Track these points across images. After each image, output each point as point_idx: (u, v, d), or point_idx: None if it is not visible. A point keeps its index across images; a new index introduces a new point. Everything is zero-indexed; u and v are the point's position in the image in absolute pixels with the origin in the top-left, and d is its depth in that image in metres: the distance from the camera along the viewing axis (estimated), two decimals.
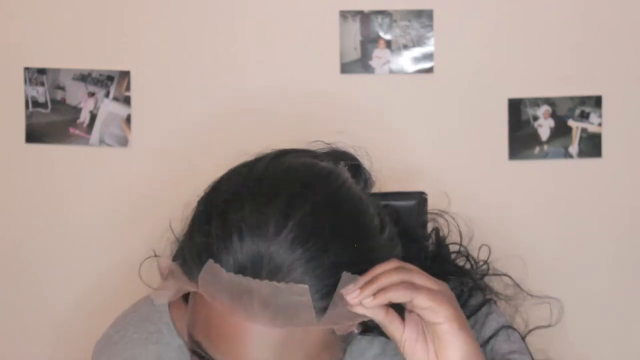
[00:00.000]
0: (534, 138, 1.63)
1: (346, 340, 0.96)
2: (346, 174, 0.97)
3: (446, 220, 1.18)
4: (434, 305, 0.90)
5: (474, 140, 1.64)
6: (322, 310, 0.89)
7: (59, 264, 1.70)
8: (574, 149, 1.63)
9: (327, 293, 0.89)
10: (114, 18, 1.66)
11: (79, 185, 1.69)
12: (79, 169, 1.69)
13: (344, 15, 1.63)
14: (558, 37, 1.63)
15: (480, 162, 1.65)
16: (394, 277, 0.89)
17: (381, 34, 1.62)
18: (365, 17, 1.62)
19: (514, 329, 1.10)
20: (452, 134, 1.64)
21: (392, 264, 0.91)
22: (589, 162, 1.64)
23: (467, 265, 1.14)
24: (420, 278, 0.91)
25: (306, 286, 0.87)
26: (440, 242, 1.15)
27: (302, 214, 0.90)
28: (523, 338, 1.10)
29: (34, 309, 1.71)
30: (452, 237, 1.16)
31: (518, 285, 1.16)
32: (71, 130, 1.68)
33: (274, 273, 0.87)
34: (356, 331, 0.94)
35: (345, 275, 0.89)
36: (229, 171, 0.98)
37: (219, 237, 0.90)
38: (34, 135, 1.68)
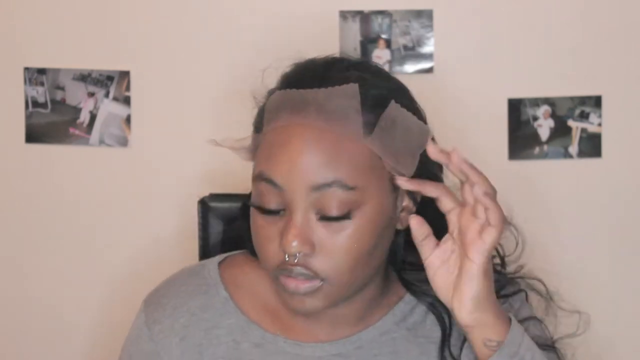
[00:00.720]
0: (534, 138, 1.63)
1: (395, 213, 1.04)
2: None
3: None
4: (488, 226, 0.98)
5: (474, 140, 1.64)
6: (368, 125, 1.00)
7: (58, 264, 1.70)
8: (574, 149, 1.63)
9: (372, 110, 1.01)
10: (113, 18, 1.66)
11: (79, 185, 1.69)
12: (79, 169, 1.69)
13: (344, 15, 1.63)
14: (558, 37, 1.63)
15: (480, 162, 1.64)
16: (439, 191, 1.02)
17: (381, 34, 1.62)
18: (365, 17, 1.62)
19: (544, 324, 1.16)
20: (452, 134, 1.64)
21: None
22: (589, 162, 1.64)
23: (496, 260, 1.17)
24: (490, 207, 0.99)
25: (356, 85, 1.00)
26: None
27: (355, 61, 1.09)
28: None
29: (34, 309, 1.71)
30: None
31: (548, 292, 1.19)
32: (71, 130, 1.68)
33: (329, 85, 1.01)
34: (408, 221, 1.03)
35: (394, 104, 1.02)
36: None
37: (284, 75, 1.08)
38: (34, 135, 1.68)
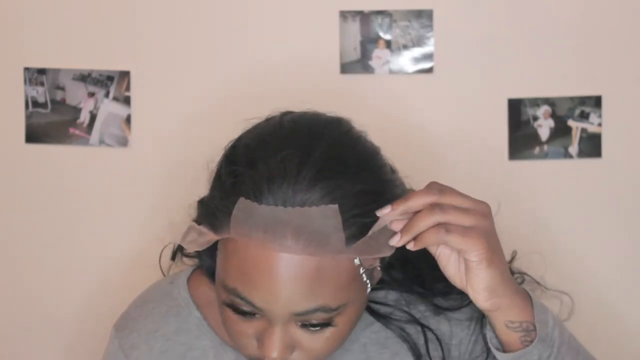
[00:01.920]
0: (534, 138, 1.63)
1: (371, 277, 1.00)
2: (351, 123, 1.05)
3: None
4: (464, 247, 0.95)
5: (474, 140, 1.64)
6: (350, 239, 0.94)
7: (59, 264, 1.70)
8: (573, 149, 1.63)
9: (353, 222, 0.94)
10: (113, 18, 1.66)
11: (79, 185, 1.69)
12: (79, 169, 1.69)
13: (344, 15, 1.63)
14: (558, 37, 1.63)
15: (480, 162, 1.65)
16: (430, 219, 0.95)
17: (381, 34, 1.62)
18: (365, 17, 1.62)
19: None
20: (452, 134, 1.64)
21: (429, 196, 0.96)
22: (589, 162, 1.64)
23: None
24: (455, 215, 0.95)
25: (335, 206, 0.93)
26: None
27: (321, 148, 0.97)
28: None
29: (34, 309, 1.71)
30: None
31: (536, 281, 1.19)
32: (71, 130, 1.68)
33: (303, 204, 0.93)
34: (379, 268, 1.01)
35: (382, 219, 0.95)
36: (245, 130, 1.05)
37: (247, 176, 0.96)
38: (34, 135, 1.68)
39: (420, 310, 1.13)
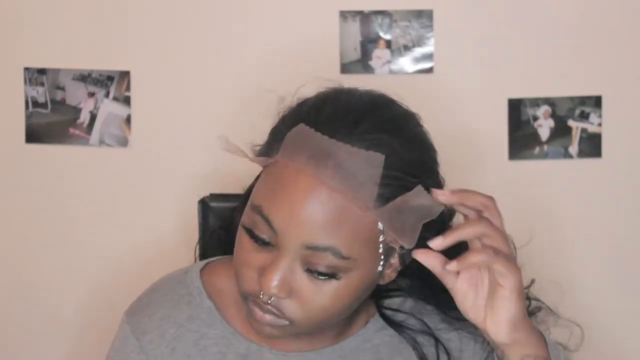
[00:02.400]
0: (534, 138, 1.63)
1: (387, 255, 1.00)
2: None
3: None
4: (506, 273, 0.95)
5: (474, 140, 1.64)
6: (380, 200, 0.95)
7: (59, 263, 1.70)
8: (574, 149, 1.63)
9: (390, 184, 0.95)
10: (113, 18, 1.66)
11: (79, 185, 1.69)
12: (79, 169, 1.69)
13: (344, 15, 1.63)
14: (558, 37, 1.63)
15: (480, 162, 1.65)
16: (477, 228, 0.96)
17: (381, 34, 1.62)
18: (365, 17, 1.62)
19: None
20: (452, 134, 1.64)
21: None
22: (589, 162, 1.64)
23: None
24: (501, 239, 0.96)
25: (382, 156, 0.94)
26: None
27: (387, 112, 1.00)
28: None
29: (34, 308, 1.71)
30: None
31: (550, 309, 1.19)
32: (71, 130, 1.68)
33: (354, 144, 0.94)
34: (393, 276, 1.02)
35: (418, 191, 0.96)
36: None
37: (312, 108, 0.99)
38: (34, 135, 1.68)
39: (434, 321, 1.13)
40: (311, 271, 0.97)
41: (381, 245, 0.99)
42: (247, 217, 1.00)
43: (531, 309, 1.15)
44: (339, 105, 1.00)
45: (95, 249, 1.69)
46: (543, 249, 1.60)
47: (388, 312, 1.12)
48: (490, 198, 1.00)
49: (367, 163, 0.94)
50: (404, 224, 0.97)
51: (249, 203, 1.01)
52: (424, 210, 0.97)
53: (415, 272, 1.06)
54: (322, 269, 0.97)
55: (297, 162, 0.96)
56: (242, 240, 1.01)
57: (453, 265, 0.96)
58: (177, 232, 1.65)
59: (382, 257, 1.00)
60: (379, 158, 0.95)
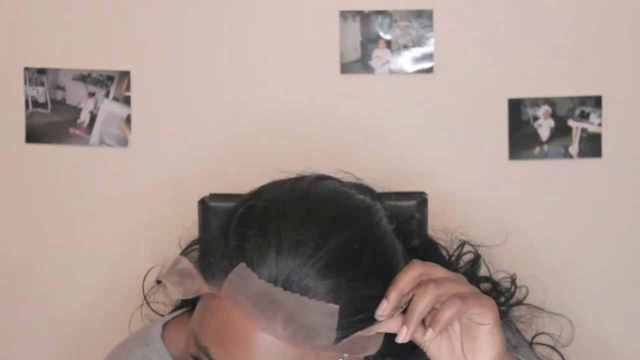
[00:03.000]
0: (534, 138, 1.63)
1: None
2: (382, 212, 0.96)
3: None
4: (483, 310, 0.90)
5: (474, 141, 1.64)
6: (339, 339, 0.88)
7: (59, 264, 1.70)
8: (574, 149, 1.63)
9: (348, 325, 0.88)
10: (113, 18, 1.66)
11: (79, 185, 1.69)
12: (79, 169, 1.69)
13: (344, 15, 1.63)
14: (558, 37, 1.63)
15: (480, 162, 1.65)
16: (428, 296, 0.88)
17: (381, 34, 1.62)
18: (365, 17, 1.62)
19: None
20: (452, 134, 1.64)
21: (413, 269, 0.90)
22: (589, 162, 1.64)
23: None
24: (449, 284, 0.89)
25: (337, 307, 0.86)
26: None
27: (341, 239, 0.89)
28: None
29: (34, 309, 1.71)
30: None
31: (538, 308, 1.16)
32: (71, 130, 1.68)
33: (304, 291, 0.86)
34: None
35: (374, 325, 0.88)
36: (271, 182, 0.97)
37: (256, 244, 0.88)
38: (34, 135, 1.68)
39: None
40: None
41: None
42: (193, 348, 0.92)
43: (512, 301, 1.12)
44: (283, 239, 0.88)
45: (95, 249, 1.69)
46: (543, 248, 1.61)
47: None
48: (412, 264, 0.91)
49: (320, 314, 0.86)
50: (368, 343, 0.90)
51: (193, 332, 0.92)
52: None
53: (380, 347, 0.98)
54: None
55: (242, 309, 0.87)
56: None
57: (430, 334, 0.89)
58: (177, 232, 1.65)
59: None
60: (333, 309, 0.86)
